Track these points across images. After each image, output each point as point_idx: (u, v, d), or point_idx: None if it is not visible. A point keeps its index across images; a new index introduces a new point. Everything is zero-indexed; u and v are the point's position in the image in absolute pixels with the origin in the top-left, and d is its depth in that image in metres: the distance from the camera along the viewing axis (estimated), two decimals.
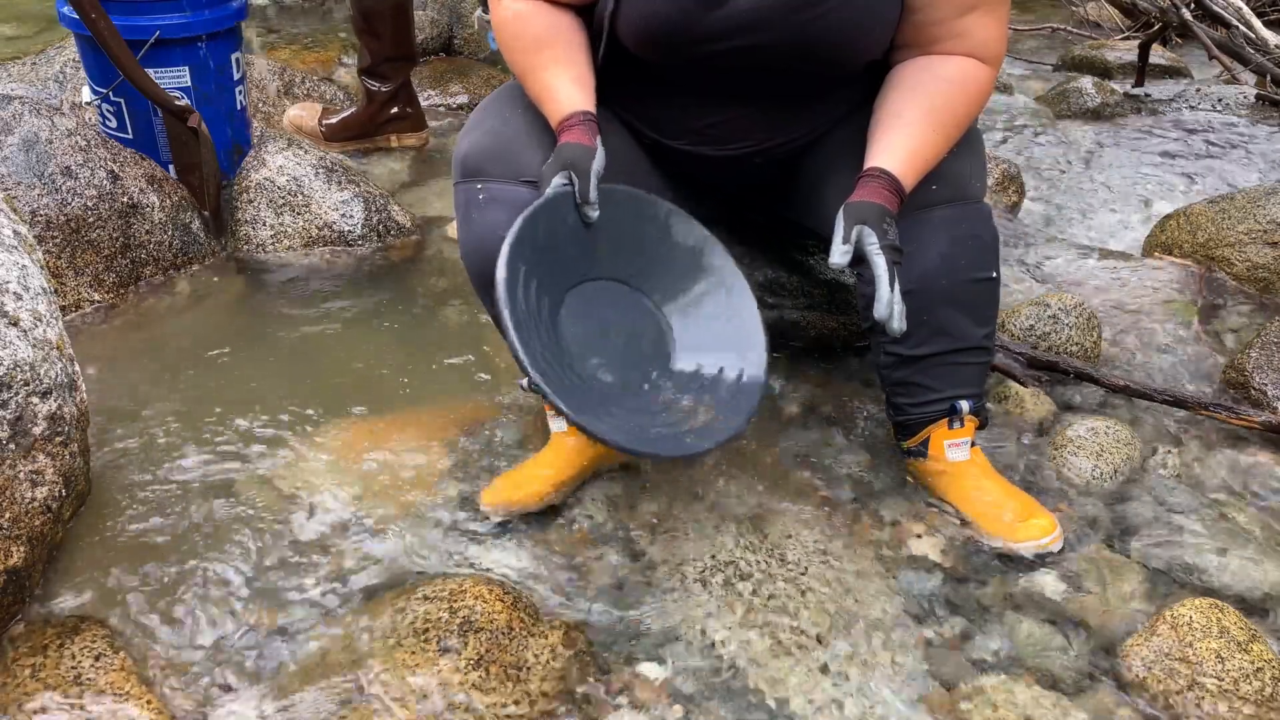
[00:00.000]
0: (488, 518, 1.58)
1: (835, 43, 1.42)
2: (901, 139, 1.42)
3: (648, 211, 1.54)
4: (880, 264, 1.35)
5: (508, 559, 1.52)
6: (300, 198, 2.38)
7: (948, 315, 1.52)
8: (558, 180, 1.41)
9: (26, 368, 1.32)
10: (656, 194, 1.64)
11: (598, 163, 1.42)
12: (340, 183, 2.42)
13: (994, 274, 1.55)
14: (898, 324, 1.36)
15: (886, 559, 1.55)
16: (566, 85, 1.47)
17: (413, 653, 1.32)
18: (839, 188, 1.49)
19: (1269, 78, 3.62)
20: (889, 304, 1.35)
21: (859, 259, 1.37)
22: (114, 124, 2.39)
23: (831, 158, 1.56)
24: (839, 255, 1.37)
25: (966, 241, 1.50)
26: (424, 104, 3.09)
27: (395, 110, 2.92)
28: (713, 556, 1.53)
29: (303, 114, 2.96)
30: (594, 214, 1.44)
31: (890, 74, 1.49)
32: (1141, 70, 3.88)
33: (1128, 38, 4.53)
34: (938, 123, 1.44)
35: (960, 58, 1.45)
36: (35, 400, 1.33)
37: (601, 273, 1.52)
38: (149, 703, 1.25)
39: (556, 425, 1.66)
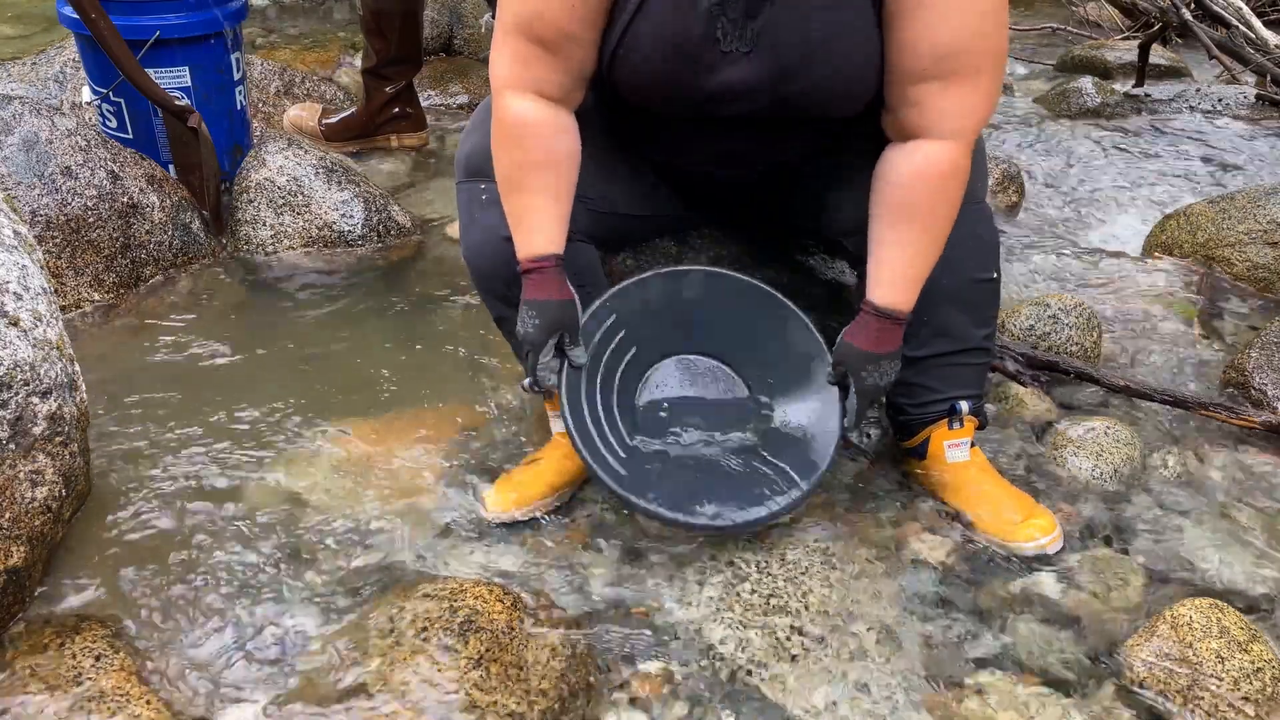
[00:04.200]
0: (488, 518, 1.58)
1: (817, 106, 1.42)
2: (886, 265, 1.43)
3: (771, 308, 1.60)
4: (853, 404, 1.49)
5: (508, 559, 1.52)
6: (300, 198, 2.38)
7: (948, 315, 1.52)
8: (552, 342, 1.46)
9: (26, 368, 1.32)
10: (658, 201, 1.65)
11: (579, 314, 1.48)
12: (340, 183, 2.42)
13: (994, 274, 1.55)
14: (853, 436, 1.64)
15: (886, 559, 1.55)
16: (545, 219, 1.43)
17: (413, 652, 1.32)
18: (840, 194, 1.52)
19: (1269, 78, 3.62)
20: (851, 426, 1.52)
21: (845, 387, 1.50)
22: (114, 124, 2.39)
23: (834, 167, 1.56)
24: (828, 379, 1.53)
25: (967, 241, 1.49)
26: (424, 104, 3.09)
27: (396, 110, 2.92)
28: (713, 556, 1.53)
29: (303, 114, 2.96)
30: (582, 359, 1.49)
31: (870, 189, 1.45)
32: (1141, 70, 3.88)
33: (1128, 38, 4.53)
34: (914, 231, 1.41)
35: (911, 147, 1.40)
36: (35, 400, 1.33)
37: (704, 349, 1.62)
38: (149, 703, 1.25)
39: (557, 425, 1.66)
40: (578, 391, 1.50)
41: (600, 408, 1.53)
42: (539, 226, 1.43)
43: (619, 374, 1.56)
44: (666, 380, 1.61)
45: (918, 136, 1.39)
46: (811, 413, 1.55)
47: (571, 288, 1.45)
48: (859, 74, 1.38)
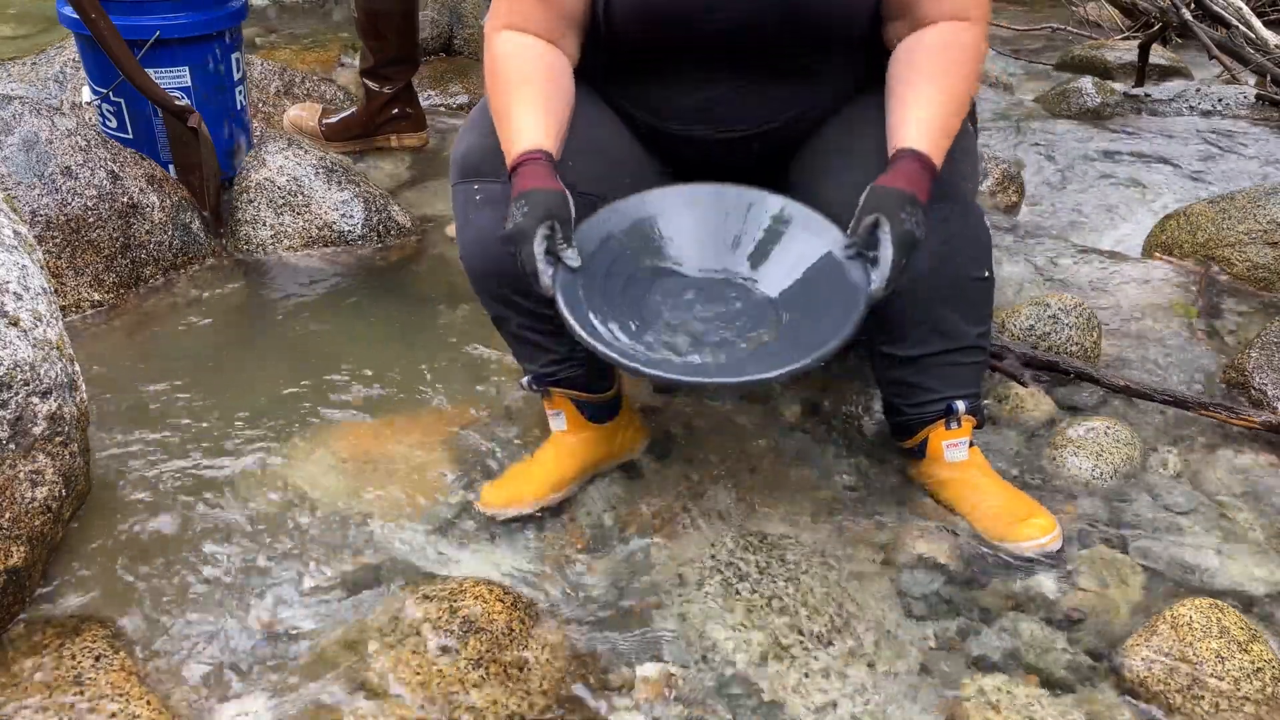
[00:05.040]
0: (488, 518, 1.58)
1: (816, 11, 1.44)
2: (914, 113, 1.42)
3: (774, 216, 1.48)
4: (887, 253, 1.33)
5: (508, 559, 1.52)
6: (300, 198, 2.38)
7: (942, 315, 1.52)
8: (543, 231, 1.34)
9: (26, 368, 1.32)
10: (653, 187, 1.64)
11: (571, 210, 1.38)
12: (340, 183, 2.42)
13: (987, 273, 1.55)
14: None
15: (886, 559, 1.55)
16: (531, 119, 1.41)
17: (413, 653, 1.32)
18: (835, 180, 1.50)
19: (1269, 78, 3.62)
20: (883, 288, 1.34)
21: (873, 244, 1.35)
22: (114, 124, 2.39)
23: (828, 149, 1.56)
24: (846, 250, 1.38)
25: (959, 240, 1.50)
26: (424, 104, 3.09)
27: (395, 111, 2.92)
28: (713, 556, 1.53)
29: (303, 114, 2.96)
30: (575, 261, 1.37)
31: (887, 69, 1.49)
32: (1141, 70, 3.88)
33: (1128, 38, 4.53)
34: (940, 88, 1.43)
35: (940, 23, 1.45)
36: (35, 400, 1.33)
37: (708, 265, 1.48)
38: (149, 703, 1.25)
39: (556, 424, 1.66)
40: (574, 291, 1.36)
41: (600, 313, 1.38)
42: (523, 127, 1.40)
43: (618, 293, 1.42)
44: (671, 295, 1.45)
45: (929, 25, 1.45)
46: (827, 304, 1.39)
47: (563, 185, 1.38)
48: None
